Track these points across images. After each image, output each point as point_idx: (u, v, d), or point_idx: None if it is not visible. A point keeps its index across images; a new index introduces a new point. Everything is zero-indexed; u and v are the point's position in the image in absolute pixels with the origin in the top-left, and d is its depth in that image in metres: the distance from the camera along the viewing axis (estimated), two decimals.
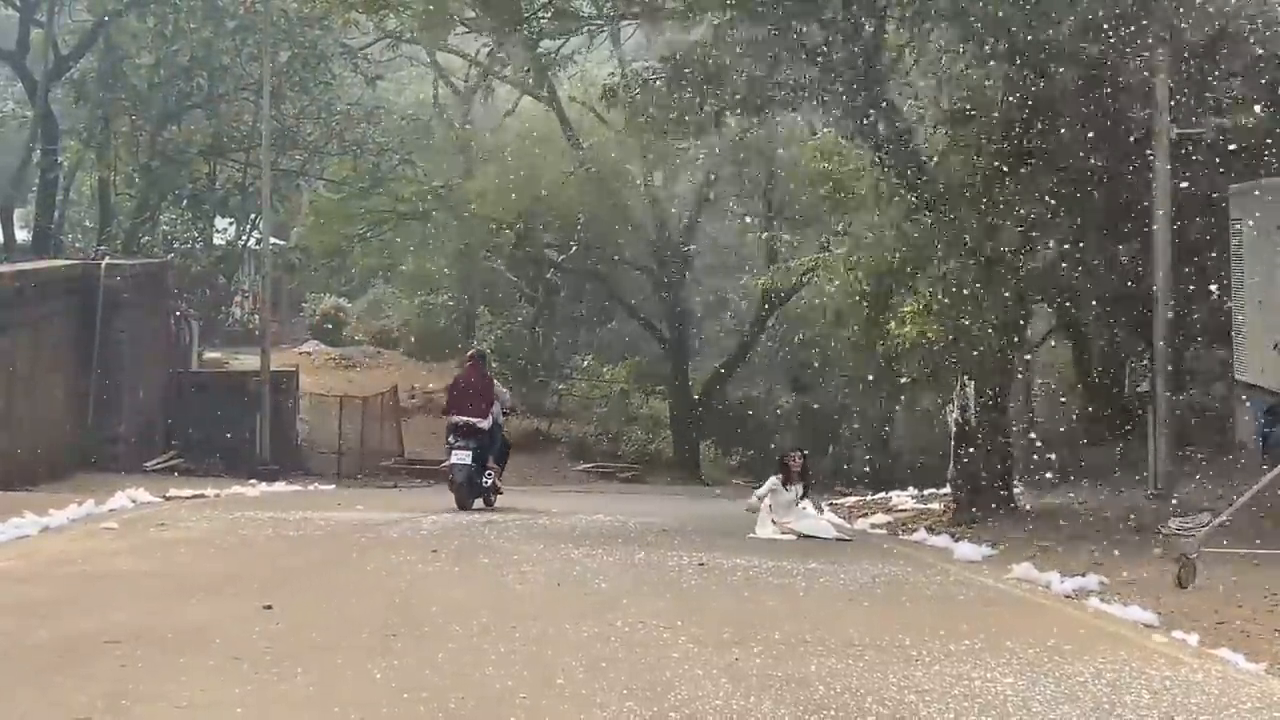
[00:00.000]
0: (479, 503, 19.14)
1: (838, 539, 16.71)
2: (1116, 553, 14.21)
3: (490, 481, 19.18)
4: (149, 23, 34.09)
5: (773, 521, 16.81)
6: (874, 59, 18.13)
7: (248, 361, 36.15)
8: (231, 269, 40.52)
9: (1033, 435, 28.92)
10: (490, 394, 19.42)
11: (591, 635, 8.83)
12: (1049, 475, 22.97)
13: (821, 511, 17.76)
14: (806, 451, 18.59)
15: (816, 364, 37.54)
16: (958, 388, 18.87)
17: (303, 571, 11.92)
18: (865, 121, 18.25)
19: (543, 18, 19.55)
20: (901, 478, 28.68)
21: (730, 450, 41.33)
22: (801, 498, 17.30)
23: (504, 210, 38.37)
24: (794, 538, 16.44)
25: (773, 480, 17.32)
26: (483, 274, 41.79)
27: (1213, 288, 20.65)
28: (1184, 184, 19.14)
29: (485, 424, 18.91)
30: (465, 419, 18.84)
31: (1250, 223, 19.32)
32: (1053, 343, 31.21)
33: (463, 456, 18.60)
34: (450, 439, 18.99)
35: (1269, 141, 18.11)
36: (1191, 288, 21.20)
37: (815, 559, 13.98)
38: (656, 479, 36.98)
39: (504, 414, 20.03)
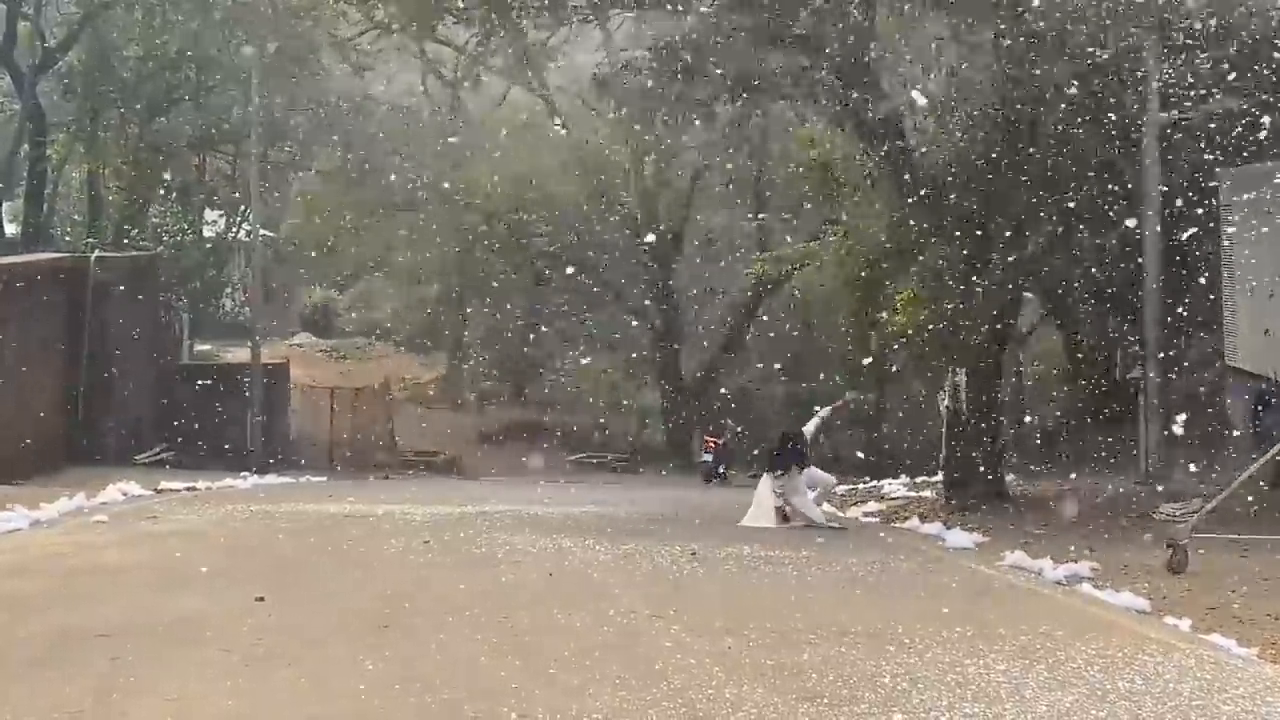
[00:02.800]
0: (716, 481, 32.27)
1: (830, 526, 16.70)
2: (1108, 539, 14.24)
3: (723, 471, 32.87)
4: (137, 15, 33.97)
5: (778, 508, 16.76)
6: (863, 47, 18.09)
7: (238, 354, 36.14)
8: (221, 261, 40.44)
9: (1024, 423, 28.99)
10: (723, 429, 35.11)
11: (584, 625, 8.82)
12: (1041, 463, 23.01)
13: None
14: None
15: (808, 353, 37.51)
16: (949, 376, 18.87)
17: (294, 564, 11.90)
18: (855, 109, 18.22)
19: (532, 7, 19.49)
20: (893, 466, 28.68)
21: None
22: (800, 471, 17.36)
23: (494, 201, 38.28)
24: (788, 525, 16.44)
25: (797, 471, 17.27)
26: (473, 265, 41.67)
27: (1203, 274, 20.68)
28: (1174, 170, 19.15)
29: (720, 443, 33.74)
30: (712, 439, 34.03)
31: (1241, 208, 19.35)
32: (1044, 331, 31.26)
33: (707, 458, 33.61)
34: (704, 449, 34.41)
35: (1258, 126, 18.12)
36: (1182, 274, 21.24)
37: (807, 548, 13.98)
38: (648, 469, 36.99)
39: (733, 438, 35.19)
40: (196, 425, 29.60)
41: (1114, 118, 18.59)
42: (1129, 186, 19.58)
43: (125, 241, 33.62)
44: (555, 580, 11.09)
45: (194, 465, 26.65)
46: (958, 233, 17.74)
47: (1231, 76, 18.50)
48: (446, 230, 40.16)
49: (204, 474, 24.07)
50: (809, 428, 18.01)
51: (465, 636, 8.35)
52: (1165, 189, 19.52)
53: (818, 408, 18.79)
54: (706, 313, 43.06)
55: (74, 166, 37.47)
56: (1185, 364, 23.84)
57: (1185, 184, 20.08)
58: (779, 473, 16.93)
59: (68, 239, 35.85)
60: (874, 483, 25.19)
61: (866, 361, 24.04)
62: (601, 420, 40.85)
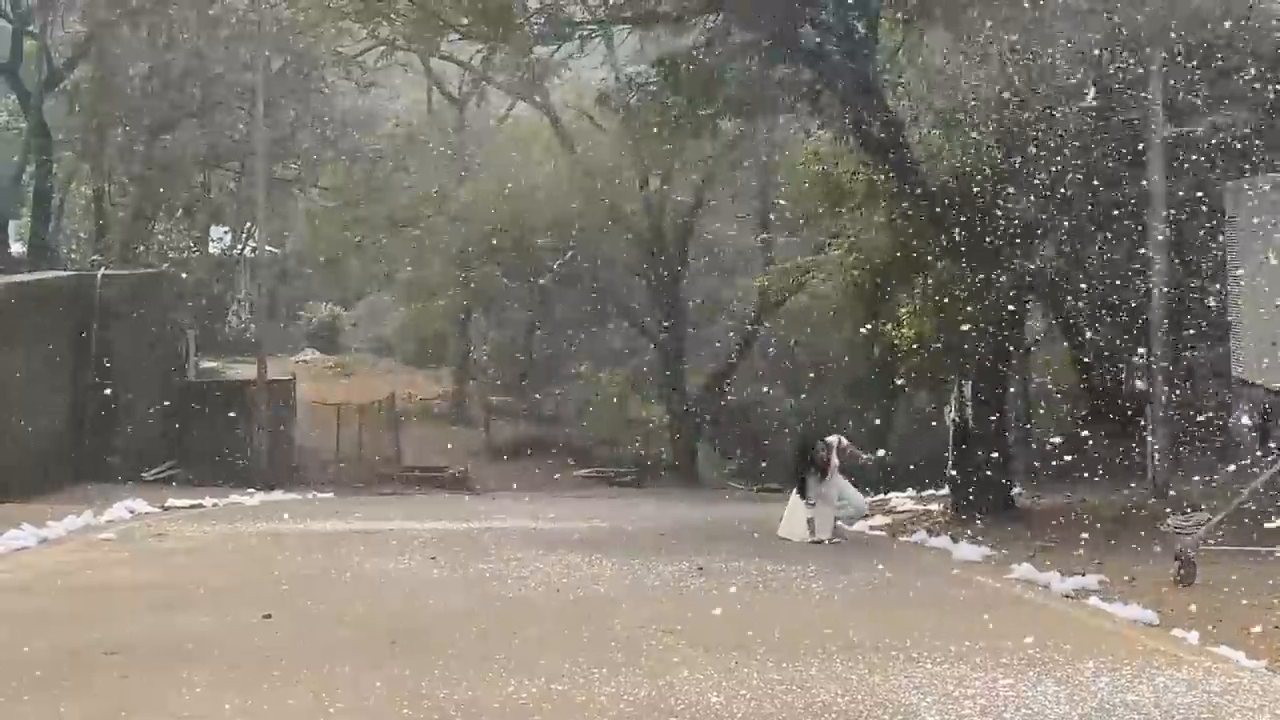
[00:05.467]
0: None
1: (831, 540, 16.45)
2: (1116, 551, 14.21)
3: None
4: (142, 33, 34.06)
5: (809, 520, 16.55)
6: (867, 61, 18.11)
7: (245, 370, 36.10)
8: (227, 278, 40.52)
9: (1031, 435, 28.93)
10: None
11: (591, 640, 8.82)
12: (1048, 475, 22.95)
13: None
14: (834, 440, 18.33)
15: (814, 366, 37.48)
16: (955, 388, 18.84)
17: (302, 580, 11.90)
18: (859, 123, 18.23)
19: (535, 23, 19.53)
20: (900, 479, 28.63)
21: (728, 453, 41.26)
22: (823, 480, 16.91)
23: (499, 216, 38.33)
24: (817, 540, 16.28)
25: (812, 483, 16.88)
26: (478, 280, 41.71)
27: (1209, 286, 20.61)
28: (1179, 182, 19.14)
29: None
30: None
31: (1247, 220, 19.32)
32: (1050, 342, 31.22)
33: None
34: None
35: (1264, 138, 18.11)
36: (1189, 286, 21.20)
37: (815, 562, 13.96)
38: (654, 483, 36.92)
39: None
40: (203, 442, 29.62)
41: (1119, 129, 18.58)
42: (1135, 199, 19.57)
43: (131, 259, 33.66)
44: (561, 596, 11.10)
45: (200, 482, 26.66)
46: (963, 245, 17.73)
47: (1237, 88, 18.52)
48: (452, 246, 40.22)
49: (210, 491, 24.08)
50: (833, 438, 17.78)
51: (472, 652, 8.35)
52: (1172, 201, 19.50)
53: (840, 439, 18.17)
54: (712, 327, 43.06)
55: (80, 184, 37.57)
56: (1192, 376, 23.79)
57: (1191, 196, 20.06)
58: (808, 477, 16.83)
59: (74, 256, 35.93)
60: (881, 496, 25.13)
61: (871, 374, 23.98)
62: (607, 435, 40.83)
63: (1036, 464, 24.99)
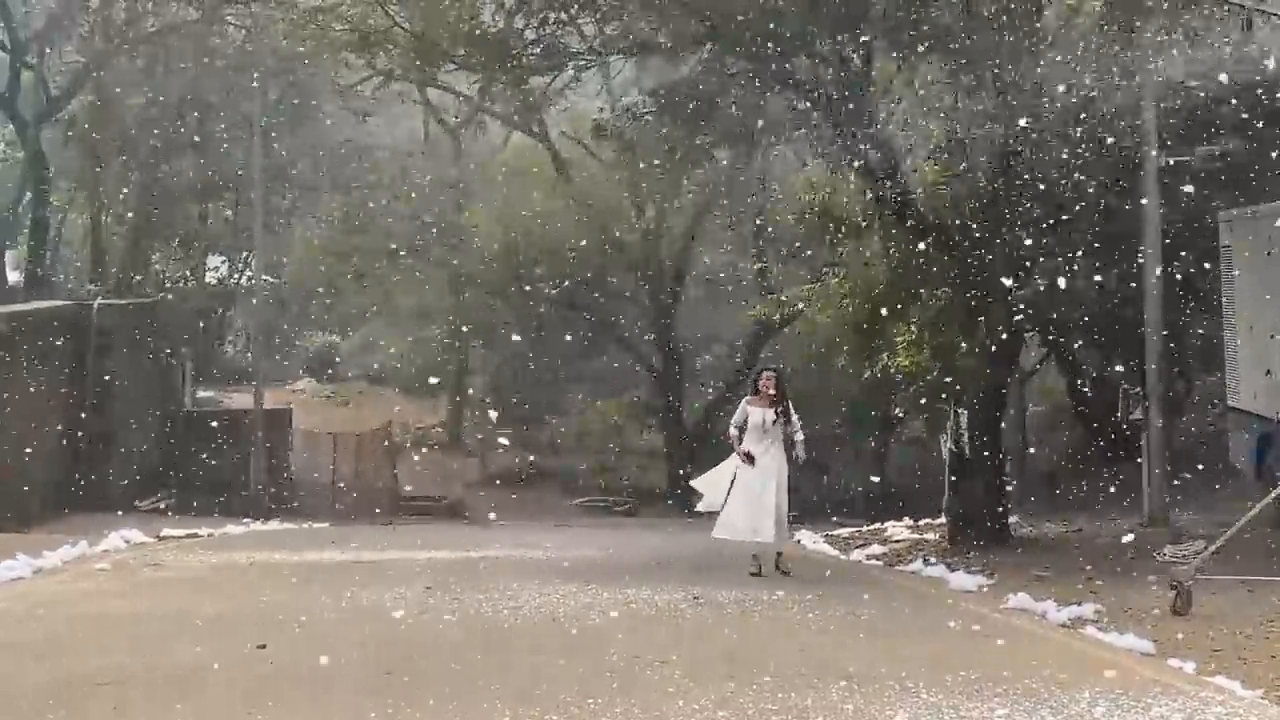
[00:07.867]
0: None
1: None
2: (1112, 581, 14.19)
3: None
4: (139, 63, 34.20)
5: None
6: (862, 91, 18.16)
7: (240, 399, 36.14)
8: (224, 307, 40.57)
9: (1028, 464, 28.94)
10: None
11: (586, 670, 8.80)
12: (1044, 504, 22.96)
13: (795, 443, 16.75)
14: (779, 367, 17.76)
15: (810, 394, 37.46)
16: (951, 417, 18.85)
17: (297, 610, 11.86)
18: (854, 153, 18.27)
19: (532, 54, 19.59)
20: (896, 508, 28.62)
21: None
22: (779, 419, 16.30)
23: (496, 245, 38.40)
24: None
25: (743, 404, 16.51)
26: (474, 309, 41.74)
27: (1204, 315, 20.68)
28: (1174, 210, 19.20)
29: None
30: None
31: (1240, 249, 19.39)
32: (1047, 372, 31.28)
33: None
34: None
35: (1257, 168, 18.18)
36: (1184, 315, 21.25)
37: (810, 591, 13.94)
38: (651, 512, 36.87)
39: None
40: (199, 471, 29.61)
41: (1114, 159, 18.63)
42: (1129, 227, 19.62)
43: (128, 288, 33.71)
44: (557, 625, 11.07)
45: (196, 511, 26.63)
46: (959, 274, 17.75)
47: (1230, 118, 18.59)
48: (449, 274, 40.27)
49: (206, 520, 24.06)
50: (736, 417, 16.92)
51: (468, 683, 8.33)
52: (1165, 230, 19.56)
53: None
54: (708, 355, 43.08)
55: (77, 214, 37.69)
56: (1188, 405, 23.84)
57: (1185, 226, 20.13)
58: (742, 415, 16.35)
59: (70, 286, 35.99)
60: (877, 525, 25.12)
61: (867, 404, 23.94)
62: (603, 464, 40.80)
63: (1033, 493, 25.00)
